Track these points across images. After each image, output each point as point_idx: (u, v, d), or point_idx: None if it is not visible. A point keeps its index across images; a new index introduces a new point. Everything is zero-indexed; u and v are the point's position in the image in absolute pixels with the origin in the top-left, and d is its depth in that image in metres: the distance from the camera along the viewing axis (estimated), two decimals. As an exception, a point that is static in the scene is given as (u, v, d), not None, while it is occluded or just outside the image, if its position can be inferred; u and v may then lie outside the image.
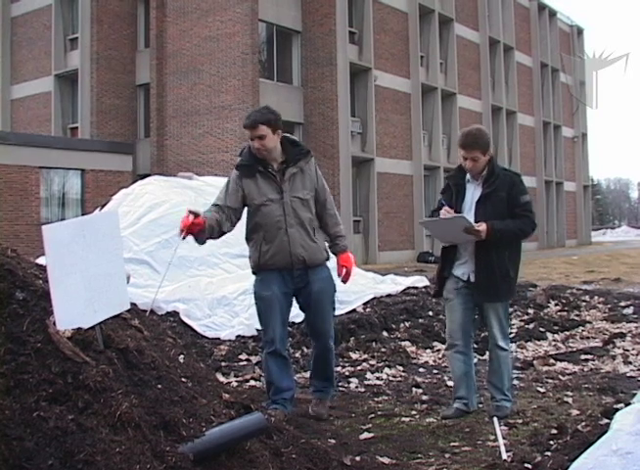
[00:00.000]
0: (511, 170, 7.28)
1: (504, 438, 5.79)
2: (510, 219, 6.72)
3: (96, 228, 3.51)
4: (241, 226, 13.29)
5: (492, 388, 6.95)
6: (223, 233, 6.86)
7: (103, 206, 13.98)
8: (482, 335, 9.63)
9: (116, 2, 37.32)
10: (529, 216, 6.83)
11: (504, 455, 5.33)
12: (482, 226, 6.60)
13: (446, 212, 6.81)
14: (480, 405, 7.12)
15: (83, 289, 3.36)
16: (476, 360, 8.19)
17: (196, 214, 6.37)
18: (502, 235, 6.66)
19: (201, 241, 6.61)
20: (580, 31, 64.06)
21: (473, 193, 6.91)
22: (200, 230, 6.43)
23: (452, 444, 5.95)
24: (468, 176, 6.97)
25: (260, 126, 6.67)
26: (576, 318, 12.79)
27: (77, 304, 3.34)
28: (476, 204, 6.86)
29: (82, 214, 24.55)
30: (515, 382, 8.23)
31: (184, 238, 6.43)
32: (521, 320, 12.52)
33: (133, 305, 4.00)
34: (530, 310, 13.31)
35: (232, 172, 6.97)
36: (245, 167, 6.84)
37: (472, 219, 6.73)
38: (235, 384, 8.30)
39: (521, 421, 6.54)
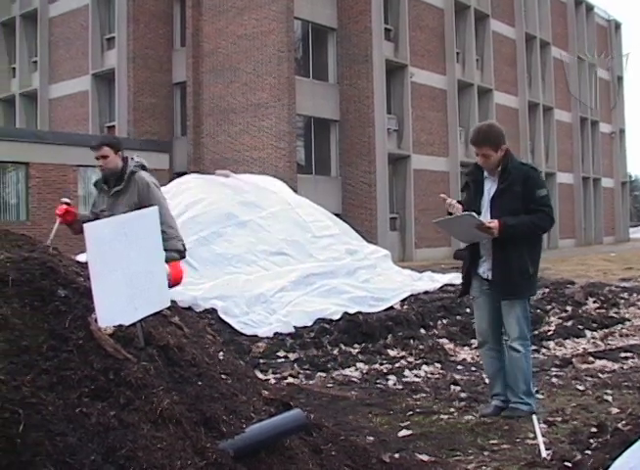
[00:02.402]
0: (528, 164, 7.12)
1: (543, 436, 5.75)
2: (525, 215, 6.63)
3: (137, 226, 3.53)
4: (276, 224, 13.33)
5: (508, 389, 6.87)
6: None
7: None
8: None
9: (153, 1, 37.48)
10: (545, 211, 6.70)
11: (543, 453, 5.30)
12: (494, 223, 6.53)
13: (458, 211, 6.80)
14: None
15: (124, 286, 3.38)
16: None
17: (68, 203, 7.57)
18: (515, 231, 6.56)
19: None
20: (618, 26, 63.45)
21: (490, 189, 6.85)
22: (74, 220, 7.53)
23: (491, 441, 5.93)
24: (485, 172, 6.92)
25: (103, 147, 7.58)
26: (615, 316, 12.69)
27: (118, 301, 3.36)
28: (491, 200, 6.79)
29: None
30: (554, 380, 8.20)
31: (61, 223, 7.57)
32: (559, 318, 12.44)
33: (173, 302, 4.02)
34: (569, 308, 13.23)
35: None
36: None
37: (488, 216, 6.69)
38: (273, 381, 8.32)
39: (560, 419, 6.49)
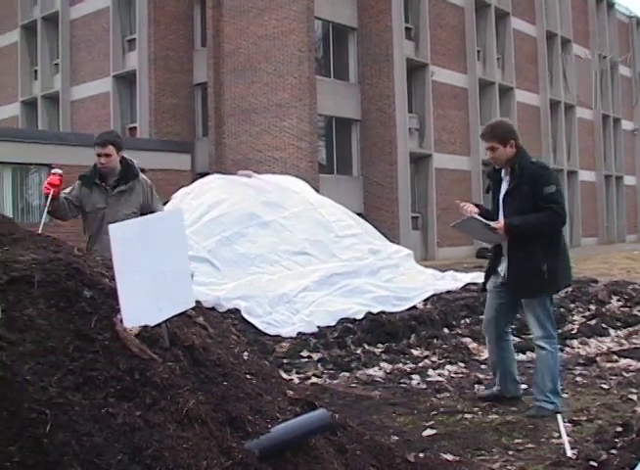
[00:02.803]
0: (538, 162, 7.06)
1: (568, 435, 5.74)
2: (533, 213, 6.64)
3: (162, 227, 3.54)
4: (298, 224, 13.30)
5: (535, 386, 6.91)
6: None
7: (163, 204, 14.12)
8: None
9: (173, 3, 37.55)
10: (553, 208, 6.67)
11: (569, 453, 5.29)
12: (499, 224, 6.60)
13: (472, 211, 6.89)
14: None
15: (149, 287, 3.39)
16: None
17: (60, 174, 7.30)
18: (520, 231, 6.60)
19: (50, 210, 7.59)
20: (639, 22, 63.00)
21: (504, 189, 6.90)
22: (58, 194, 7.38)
23: (516, 441, 5.91)
24: (502, 172, 6.95)
25: (109, 146, 7.52)
26: (639, 314, 12.62)
27: (144, 302, 3.37)
28: (502, 199, 6.84)
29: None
30: (578, 379, 8.17)
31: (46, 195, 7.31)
32: (582, 316, 12.39)
33: (197, 302, 4.03)
34: (592, 306, 13.17)
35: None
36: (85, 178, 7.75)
37: (501, 216, 6.74)
38: (297, 381, 8.32)
39: (585, 418, 6.47)
